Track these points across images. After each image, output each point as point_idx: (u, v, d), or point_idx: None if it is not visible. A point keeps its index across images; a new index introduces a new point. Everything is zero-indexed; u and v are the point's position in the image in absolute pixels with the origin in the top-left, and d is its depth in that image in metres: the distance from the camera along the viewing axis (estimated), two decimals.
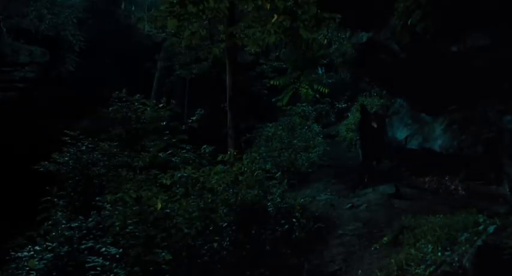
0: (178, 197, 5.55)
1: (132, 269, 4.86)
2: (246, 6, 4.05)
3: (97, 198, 7.92)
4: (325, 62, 10.83)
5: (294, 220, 5.59)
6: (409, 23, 5.94)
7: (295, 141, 9.96)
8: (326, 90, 9.56)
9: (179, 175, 5.70)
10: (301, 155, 9.52)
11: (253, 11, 4.24)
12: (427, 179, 8.47)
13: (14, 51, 17.18)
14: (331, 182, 8.42)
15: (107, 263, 5.29)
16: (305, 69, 9.02)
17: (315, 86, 9.44)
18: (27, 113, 17.12)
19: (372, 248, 5.09)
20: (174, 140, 8.09)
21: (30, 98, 17.62)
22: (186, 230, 4.99)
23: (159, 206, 5.37)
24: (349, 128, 11.46)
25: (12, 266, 8.01)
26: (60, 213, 7.39)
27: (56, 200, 7.96)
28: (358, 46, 9.17)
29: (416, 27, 5.99)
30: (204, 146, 8.47)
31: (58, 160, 8.90)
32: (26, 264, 7.55)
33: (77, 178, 8.77)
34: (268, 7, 3.78)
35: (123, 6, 18.64)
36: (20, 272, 7.63)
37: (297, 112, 11.90)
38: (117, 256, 5.24)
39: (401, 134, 9.70)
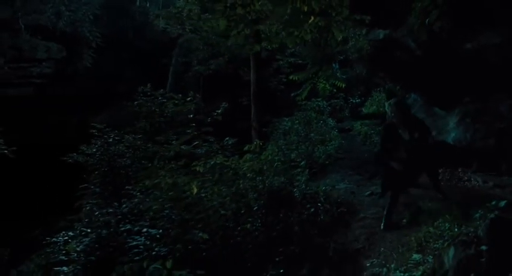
0: (212, 183, 6.12)
1: (175, 246, 5.43)
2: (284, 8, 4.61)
3: (126, 187, 8.55)
4: (341, 58, 11.37)
5: (318, 204, 6.15)
6: (426, 22, 6.46)
7: (312, 135, 10.49)
8: (343, 85, 10.09)
9: (212, 162, 6.27)
10: (318, 148, 10.06)
11: (283, 11, 4.78)
12: (440, 171, 8.98)
13: (32, 47, 17.83)
14: (348, 173, 8.95)
15: (148, 242, 5.87)
16: (323, 64, 9.56)
17: (332, 81, 9.98)
18: (43, 108, 17.80)
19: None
20: (198, 133, 8.67)
21: (46, 93, 18.31)
22: (222, 212, 5.56)
23: (195, 190, 5.94)
24: (363, 123, 11.99)
25: (48, 250, 8.68)
26: (94, 201, 7.98)
27: (92, 187, 8.58)
28: (374, 43, 9.69)
29: (433, 26, 6.51)
30: (227, 138, 9.04)
31: (86, 151, 9.53)
32: (61, 248, 8.21)
33: (104, 169, 9.38)
34: (306, 9, 4.30)
35: (138, 3, 19.23)
36: (57, 255, 8.27)
37: (312, 107, 12.43)
38: (157, 236, 5.81)
39: None
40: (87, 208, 7.74)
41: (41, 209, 10.26)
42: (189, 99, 9.28)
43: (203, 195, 5.90)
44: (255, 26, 5.31)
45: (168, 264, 4.89)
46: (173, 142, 9.28)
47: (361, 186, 7.77)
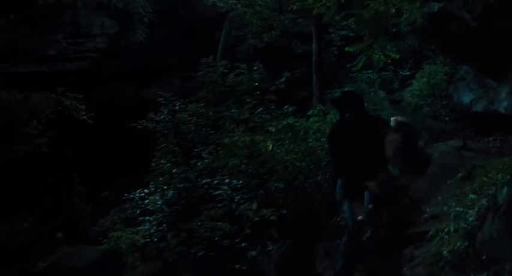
0: (284, 141, 7.09)
1: (256, 194, 6.44)
2: None
3: (195, 150, 9.65)
4: (394, 30, 12.00)
5: None
6: None
7: (365, 104, 11.26)
8: (397, 56, 10.75)
9: (284, 123, 7.23)
10: None
11: None
12: (491, 139, 9.67)
13: (88, 23, 19.06)
14: None
15: (229, 192, 6.91)
16: (378, 36, 10.22)
17: (387, 52, 10.64)
18: (98, 81, 19.10)
19: (448, 182, 6.48)
20: (261, 100, 9.61)
21: (100, 67, 19.59)
22: (297, 163, 6.52)
23: (270, 147, 6.93)
24: (413, 94, 12.65)
25: (126, 206, 9.92)
26: (166, 162, 9.07)
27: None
28: (428, 15, 10.33)
29: None
30: (286, 106, 9.95)
31: (155, 118, 10.66)
32: (139, 203, 9.42)
33: (171, 135, 10.48)
34: None
35: None
36: (135, 209, 9.51)
37: (362, 79, 13.15)
38: (238, 186, 6.84)
39: (466, 98, 10.88)
40: (164, 167, 8.84)
41: (114, 171, 11.49)
42: (255, 68, 10.22)
43: (278, 151, 6.87)
44: None
45: (254, 206, 5.91)
46: (233, 111, 10.26)
47: None
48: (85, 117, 10.14)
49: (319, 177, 6.59)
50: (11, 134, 9.57)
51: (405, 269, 5.05)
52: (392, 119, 6.25)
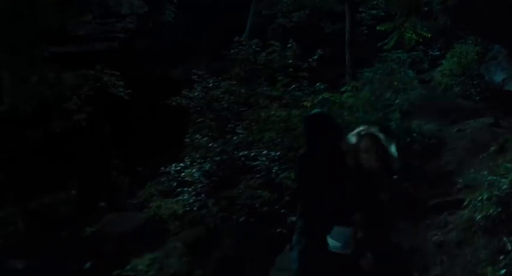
0: None
1: (293, 164, 6.80)
2: None
3: (229, 125, 10.04)
4: (425, 9, 12.11)
5: (414, 134, 7.33)
6: None
7: (395, 83, 11.48)
8: (428, 35, 10.92)
9: (320, 97, 7.55)
10: (401, 95, 11.08)
11: None
12: None
13: (117, 3, 19.49)
14: (432, 117, 9.98)
15: (266, 163, 7.29)
16: (410, 15, 10.40)
17: (418, 31, 10.81)
18: (128, 61, 19.59)
19: (480, 156, 6.74)
20: (293, 77, 9.92)
21: (129, 47, 20.06)
22: None
23: None
24: (444, 74, 12.79)
25: (162, 179, 10.41)
26: (206, 137, 9.48)
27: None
28: None
29: None
30: (318, 84, 10.24)
31: (189, 95, 11.08)
32: (175, 176, 9.88)
33: (204, 111, 10.88)
34: None
35: None
36: (171, 182, 9.99)
37: (392, 59, 13.32)
38: (275, 157, 7.21)
39: (498, 77, 11.02)
40: (201, 141, 9.26)
41: (148, 146, 11.98)
42: (289, 45, 10.52)
43: None
44: None
45: (292, 175, 6.29)
46: (265, 89, 10.59)
47: (447, 126, 8.82)
48: (122, 93, 10.60)
49: None
50: (53, 110, 10.12)
51: (439, 233, 5.37)
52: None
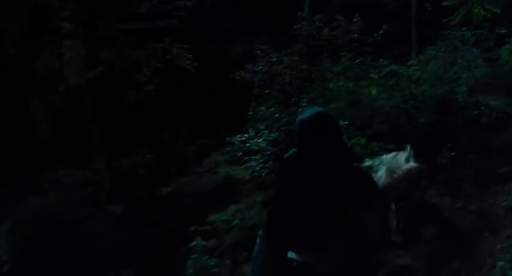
0: (387, 87, 7.67)
1: (362, 132, 7.13)
2: None
3: (292, 99, 10.41)
4: None
5: (481, 108, 7.48)
6: None
7: (459, 61, 11.49)
8: (497, 10, 10.85)
9: (388, 69, 7.80)
10: (465, 72, 11.09)
11: None
12: None
13: None
14: (499, 95, 10.00)
15: None
16: None
17: (486, 7, 10.77)
18: (185, 39, 20.23)
19: None
20: (358, 52, 10.15)
21: (187, 25, 20.69)
22: (402, 105, 7.12)
23: (373, 91, 7.55)
24: (511, 52, 12.63)
25: (228, 149, 10.94)
26: (272, 108, 9.90)
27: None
28: None
29: None
30: (381, 59, 10.42)
31: (253, 69, 11.53)
32: (241, 145, 10.37)
33: (268, 85, 11.29)
34: None
35: None
36: (236, 152, 10.49)
37: (456, 36, 13.24)
38: (344, 126, 7.53)
39: None
40: (268, 111, 9.69)
41: (211, 119, 12.56)
42: (354, 20, 10.74)
43: (381, 96, 7.48)
44: None
45: (363, 141, 6.63)
46: (327, 64, 10.88)
47: None
48: (189, 66, 11.17)
49: (421, 120, 7.16)
50: (125, 81, 10.82)
51: (508, 199, 5.60)
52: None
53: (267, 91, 10.27)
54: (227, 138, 10.58)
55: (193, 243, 5.60)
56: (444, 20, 11.22)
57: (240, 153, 9.99)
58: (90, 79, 7.45)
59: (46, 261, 5.33)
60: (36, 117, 9.58)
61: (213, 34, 20.52)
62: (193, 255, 5.49)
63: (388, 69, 7.88)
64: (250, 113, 11.22)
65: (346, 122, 7.53)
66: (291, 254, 2.88)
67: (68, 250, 5.52)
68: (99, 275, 4.75)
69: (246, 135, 10.28)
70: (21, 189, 6.98)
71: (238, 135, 10.52)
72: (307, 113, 3.18)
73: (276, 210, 3.20)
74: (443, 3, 10.56)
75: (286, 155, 3.41)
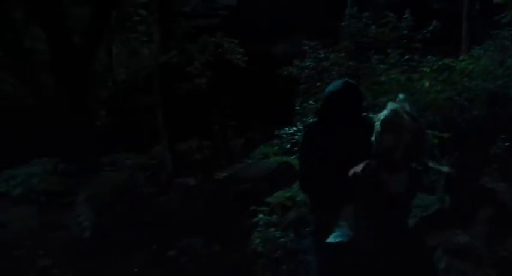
0: (439, 81, 7.94)
1: None
2: None
3: None
4: None
5: None
6: None
7: (509, 59, 11.61)
8: None
9: (440, 63, 8.07)
10: None
11: None
12: None
13: None
14: None
15: None
16: None
17: None
18: (228, 37, 20.77)
19: None
20: (406, 49, 10.44)
21: (229, 24, 21.23)
22: (455, 97, 7.39)
23: (426, 84, 7.83)
24: None
25: (276, 141, 11.32)
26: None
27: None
28: None
29: None
30: (429, 56, 10.66)
31: (301, 65, 11.95)
32: (289, 137, 10.75)
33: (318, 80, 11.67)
34: None
35: None
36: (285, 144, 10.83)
37: (504, 36, 13.34)
38: None
39: None
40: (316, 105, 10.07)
41: (258, 112, 13.01)
42: (405, 16, 11.05)
43: (434, 88, 7.75)
44: None
45: None
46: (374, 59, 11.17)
47: None
48: (239, 60, 11.65)
49: (474, 112, 7.42)
50: (178, 74, 11.36)
51: None
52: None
53: (318, 84, 10.64)
54: (275, 131, 11.01)
55: (256, 218, 6.04)
56: (495, 18, 11.39)
57: (288, 145, 10.40)
58: (162, 63, 7.97)
59: (122, 228, 5.85)
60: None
61: (257, 32, 21.03)
62: (258, 229, 5.93)
63: (440, 63, 8.12)
64: (297, 107, 11.64)
65: None
66: (331, 238, 3.08)
67: (142, 219, 6.03)
68: (171, 241, 5.22)
69: (294, 128, 10.71)
70: (87, 169, 7.55)
71: (286, 128, 10.96)
72: (336, 83, 3.61)
73: (306, 163, 3.50)
74: (494, 1, 10.71)
75: (309, 123, 3.77)
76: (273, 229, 5.79)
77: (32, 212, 6.19)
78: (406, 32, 10.66)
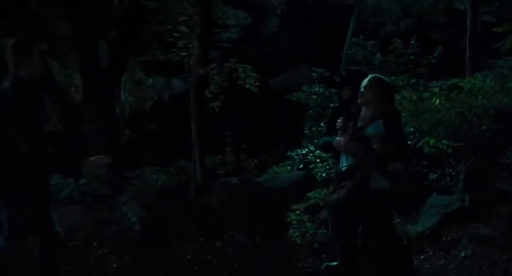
0: (447, 99, 8.67)
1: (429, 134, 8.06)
2: None
3: None
4: None
5: None
6: None
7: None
8: None
9: (449, 82, 8.81)
10: None
11: None
12: None
13: (224, 15, 21.63)
14: None
15: None
16: None
17: None
18: None
19: None
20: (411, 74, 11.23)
21: (231, 56, 22.11)
22: (466, 113, 8.07)
23: (437, 102, 8.53)
24: None
25: (288, 162, 11.90)
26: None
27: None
28: None
29: None
30: (434, 82, 11.42)
31: (310, 90, 12.71)
32: (300, 159, 11.32)
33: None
34: None
35: None
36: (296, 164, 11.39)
37: (502, 65, 14.26)
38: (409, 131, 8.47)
39: None
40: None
41: (267, 137, 13.64)
42: (411, 42, 11.90)
43: (444, 106, 8.44)
44: None
45: (432, 141, 7.56)
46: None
47: None
48: (251, 85, 12.32)
49: (483, 127, 8.09)
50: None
51: None
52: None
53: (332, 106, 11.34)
54: (288, 153, 11.62)
55: (291, 217, 6.78)
56: (494, 46, 12.27)
57: (301, 165, 10.98)
58: (200, 77, 8.59)
59: (169, 222, 6.34)
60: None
61: (256, 65, 21.88)
62: (293, 225, 6.58)
63: (449, 82, 8.87)
64: (306, 131, 12.33)
65: (411, 129, 8.48)
66: None
67: (187, 215, 6.52)
68: (215, 235, 5.73)
69: (306, 149, 11.34)
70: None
71: (298, 150, 11.59)
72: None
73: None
74: (494, 29, 11.59)
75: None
76: (310, 224, 6.47)
77: (80, 211, 6.64)
78: (412, 57, 11.44)
